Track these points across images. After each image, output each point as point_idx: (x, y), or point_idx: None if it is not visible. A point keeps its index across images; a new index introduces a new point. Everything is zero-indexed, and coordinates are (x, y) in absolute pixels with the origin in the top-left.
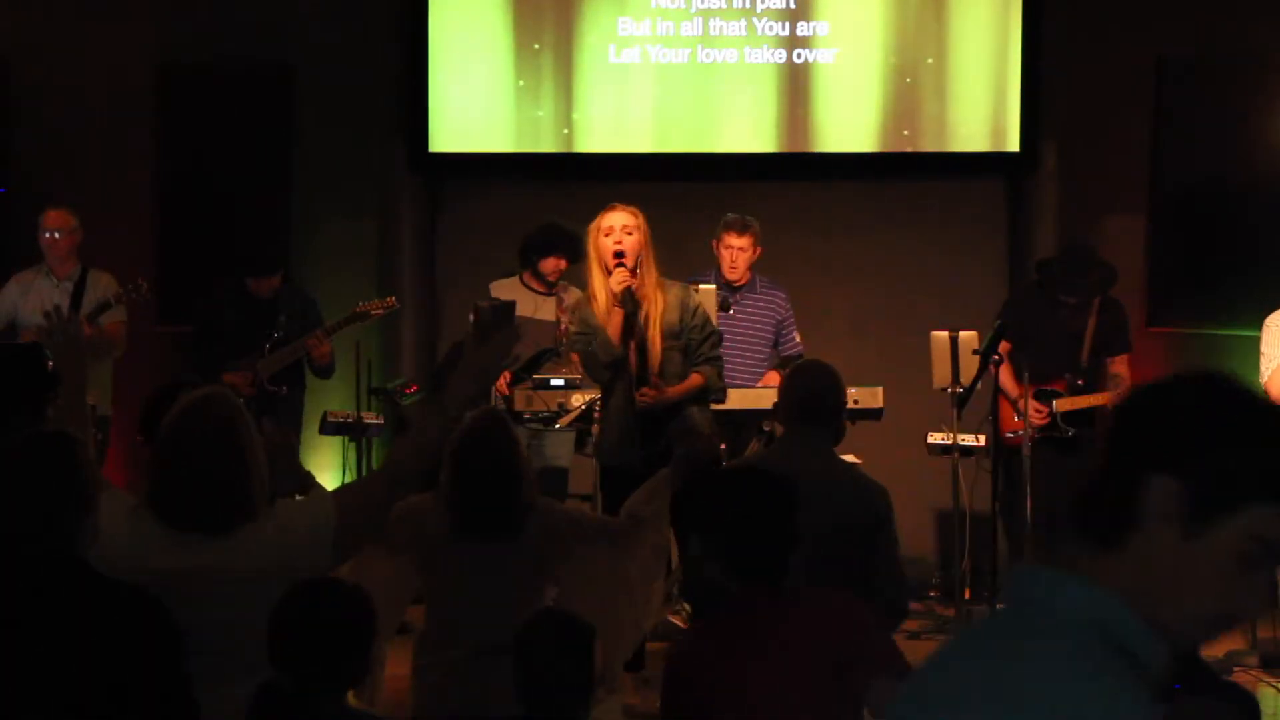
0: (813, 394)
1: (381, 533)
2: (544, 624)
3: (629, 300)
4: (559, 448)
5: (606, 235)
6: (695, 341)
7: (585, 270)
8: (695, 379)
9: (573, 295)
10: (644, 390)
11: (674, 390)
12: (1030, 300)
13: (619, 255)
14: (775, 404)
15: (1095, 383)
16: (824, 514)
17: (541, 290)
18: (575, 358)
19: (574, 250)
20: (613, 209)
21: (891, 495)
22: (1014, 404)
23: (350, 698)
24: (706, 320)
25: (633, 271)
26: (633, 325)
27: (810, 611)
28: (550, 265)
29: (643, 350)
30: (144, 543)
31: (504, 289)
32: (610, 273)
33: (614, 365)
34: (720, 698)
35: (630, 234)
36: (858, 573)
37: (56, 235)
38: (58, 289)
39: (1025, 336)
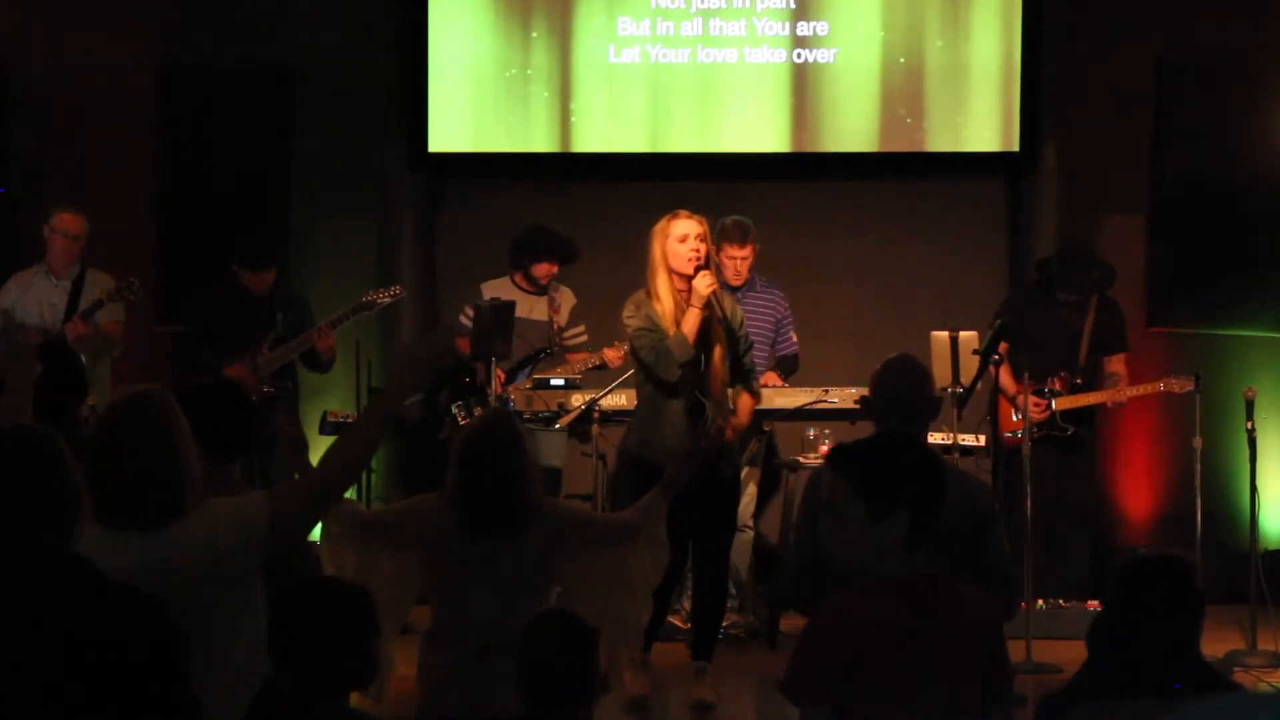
0: (902, 391)
1: (312, 533)
2: (548, 624)
3: (717, 304)
4: (553, 447)
5: (681, 242)
6: (741, 351)
7: (648, 272)
8: (750, 401)
9: (565, 295)
10: (725, 423)
11: (745, 420)
12: (1029, 299)
13: (696, 261)
14: (861, 400)
15: (1092, 382)
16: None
17: (532, 290)
18: (579, 356)
19: (567, 254)
20: (680, 216)
21: None
22: (1013, 402)
23: (355, 698)
24: (746, 329)
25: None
26: (712, 328)
27: (974, 605)
28: (544, 270)
29: (709, 360)
30: (79, 541)
31: (496, 289)
32: (689, 277)
33: (685, 365)
34: (891, 669)
35: (703, 241)
36: (964, 573)
37: (71, 238)
38: (56, 288)
39: (1024, 336)
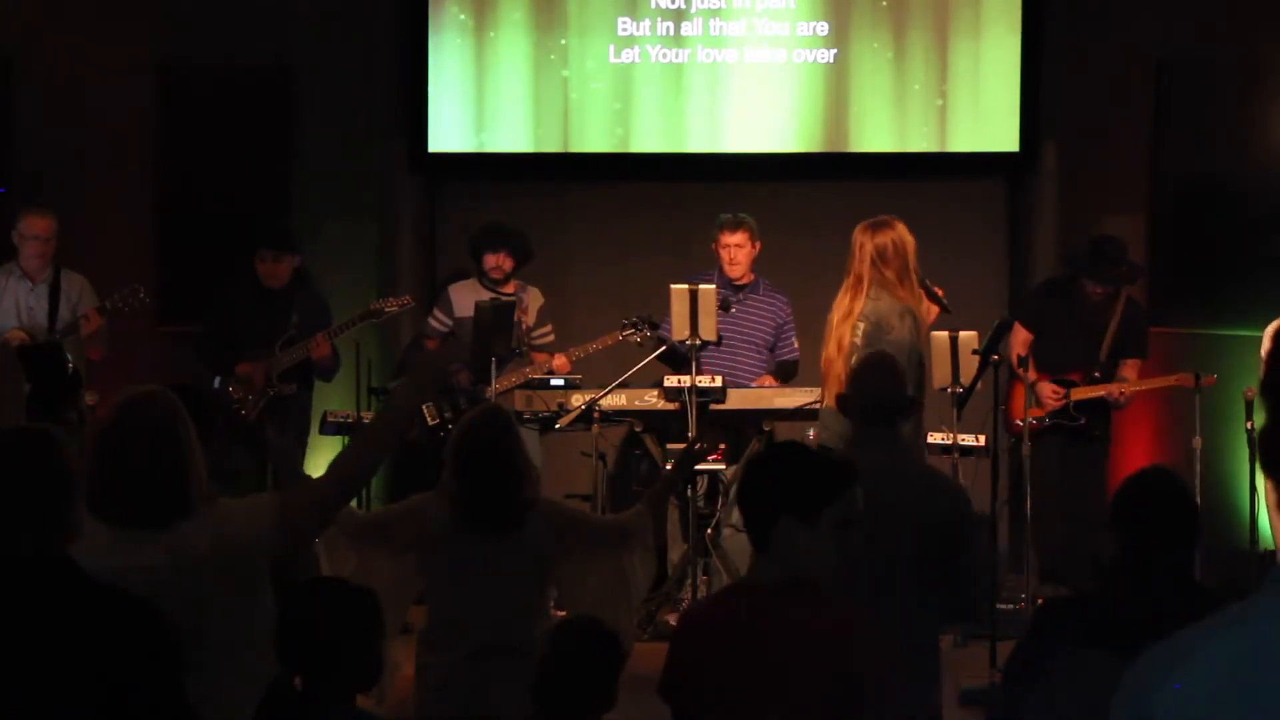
0: (880, 391)
1: (322, 532)
2: (575, 631)
3: None
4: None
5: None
6: None
7: (899, 274)
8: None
9: (532, 295)
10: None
11: None
12: (1054, 294)
13: None
14: (838, 399)
15: (1110, 380)
16: (896, 513)
17: (498, 289)
18: (543, 357)
19: (513, 248)
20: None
21: None
22: (1030, 388)
23: (359, 698)
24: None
25: None
26: None
27: (836, 621)
28: (491, 262)
29: None
30: (83, 541)
31: (463, 290)
32: None
33: None
34: (733, 674)
35: None
36: (934, 574)
37: (43, 241)
38: (33, 291)
39: (1046, 330)
